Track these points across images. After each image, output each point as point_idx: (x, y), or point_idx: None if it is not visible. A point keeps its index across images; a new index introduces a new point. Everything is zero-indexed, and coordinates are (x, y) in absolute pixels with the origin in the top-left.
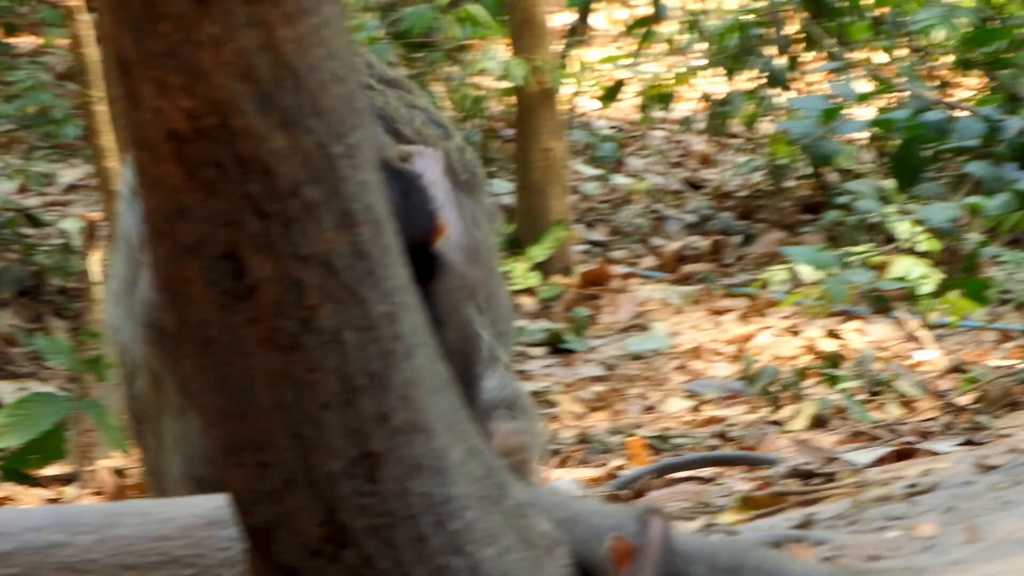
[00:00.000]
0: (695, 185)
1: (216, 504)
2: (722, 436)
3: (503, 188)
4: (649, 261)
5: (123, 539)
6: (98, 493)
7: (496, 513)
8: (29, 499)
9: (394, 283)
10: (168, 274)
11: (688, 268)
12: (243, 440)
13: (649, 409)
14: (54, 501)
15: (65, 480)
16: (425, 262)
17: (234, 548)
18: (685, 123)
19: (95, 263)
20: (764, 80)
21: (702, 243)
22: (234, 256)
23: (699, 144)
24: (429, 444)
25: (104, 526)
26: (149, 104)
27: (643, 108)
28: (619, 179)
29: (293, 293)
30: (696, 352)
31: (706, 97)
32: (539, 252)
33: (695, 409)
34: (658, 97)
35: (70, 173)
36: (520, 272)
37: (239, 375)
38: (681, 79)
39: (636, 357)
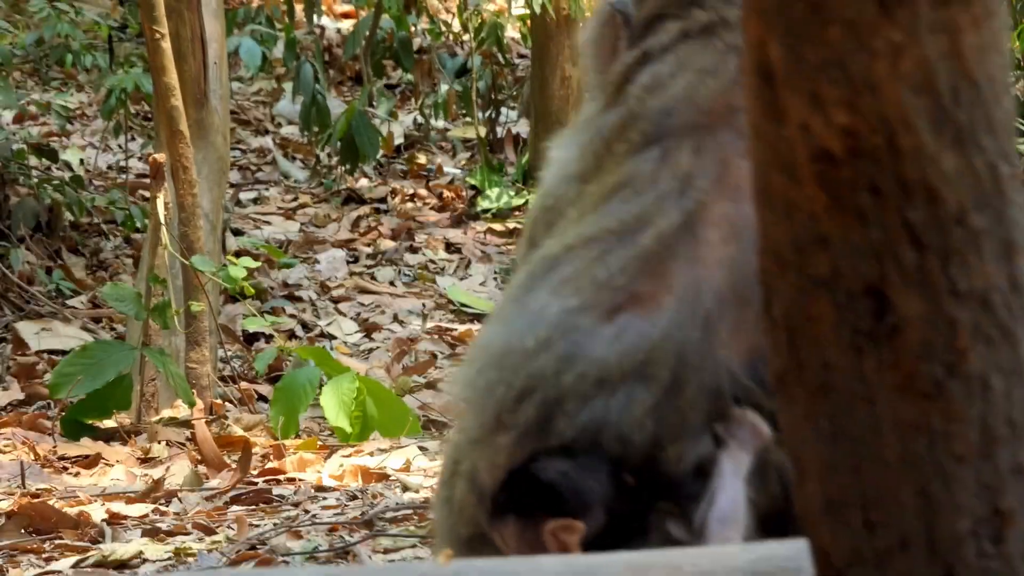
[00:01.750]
0: None
1: (754, 556)
2: None
3: (512, 118)
4: None
5: None
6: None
7: None
8: (111, 453)
9: None
10: (790, 310)
11: None
12: (852, 496)
13: None
14: (145, 460)
15: (127, 433)
16: None
17: None
18: None
19: (160, 205)
20: None
21: None
22: (878, 292)
23: None
24: None
25: None
26: (795, 119)
27: None
28: None
29: (943, 334)
30: None
31: None
32: None
33: None
34: None
35: (69, 102)
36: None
37: (861, 425)
38: None
39: None
